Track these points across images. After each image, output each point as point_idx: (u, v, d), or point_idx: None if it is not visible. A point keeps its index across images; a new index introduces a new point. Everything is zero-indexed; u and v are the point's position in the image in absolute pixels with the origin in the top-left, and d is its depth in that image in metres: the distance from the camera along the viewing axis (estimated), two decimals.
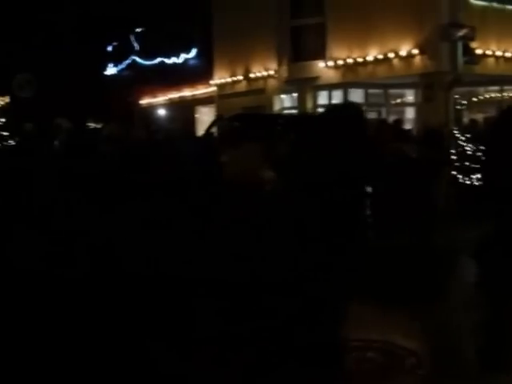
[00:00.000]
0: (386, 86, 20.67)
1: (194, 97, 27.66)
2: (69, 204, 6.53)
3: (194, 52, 27.81)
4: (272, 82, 22.41)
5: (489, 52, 18.43)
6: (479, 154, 15.03)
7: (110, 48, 33.64)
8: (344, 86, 20.40)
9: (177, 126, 18.93)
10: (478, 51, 18.00)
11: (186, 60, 28.14)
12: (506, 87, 20.55)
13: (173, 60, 28.72)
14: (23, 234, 6.24)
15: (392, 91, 21.13)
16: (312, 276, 4.91)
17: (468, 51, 17.61)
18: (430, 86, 18.09)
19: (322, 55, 20.39)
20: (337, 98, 20.85)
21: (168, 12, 28.08)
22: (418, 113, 19.83)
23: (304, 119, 16.25)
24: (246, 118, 16.19)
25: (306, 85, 21.09)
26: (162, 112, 29.60)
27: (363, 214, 5.33)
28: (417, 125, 19.12)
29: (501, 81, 19.83)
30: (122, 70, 32.86)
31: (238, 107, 21.97)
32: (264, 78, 22.68)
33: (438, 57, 17.68)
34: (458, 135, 15.65)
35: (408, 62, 18.23)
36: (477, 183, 14.55)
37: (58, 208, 6.41)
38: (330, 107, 5.55)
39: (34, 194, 6.69)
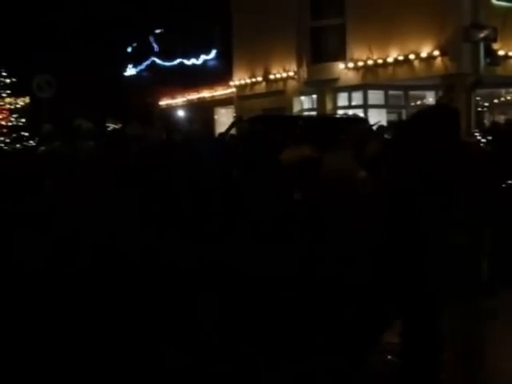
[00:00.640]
0: (406, 88, 20.54)
1: (213, 98, 27.66)
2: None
3: (213, 53, 27.83)
4: (291, 84, 22.34)
5: (511, 53, 18.24)
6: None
7: (129, 49, 33.75)
8: (364, 87, 20.30)
9: (196, 127, 18.88)
10: (500, 52, 17.86)
11: (206, 61, 28.16)
12: None
13: (192, 61, 28.75)
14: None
15: (412, 93, 20.99)
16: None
17: (490, 52, 17.47)
18: (452, 87, 17.94)
19: (341, 56, 20.31)
20: (357, 99, 20.77)
21: (187, 13, 28.12)
22: None
23: (324, 121, 16.19)
24: (266, 119, 16.14)
25: (326, 86, 21.01)
26: (181, 113, 29.61)
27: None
28: None
29: None
30: (142, 70, 32.95)
31: (258, 109, 21.96)
32: (283, 80, 22.62)
33: (460, 58, 17.55)
34: (480, 137, 15.50)
35: (429, 63, 18.10)
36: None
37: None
38: (424, 109, 5.49)
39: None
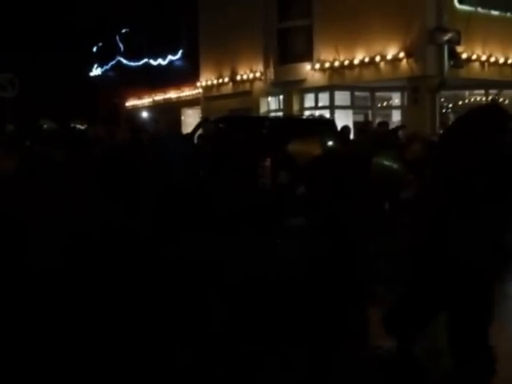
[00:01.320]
0: (372, 89, 20.69)
1: (180, 99, 27.56)
2: None
3: (179, 53, 27.71)
4: (258, 85, 22.36)
5: (474, 56, 18.47)
6: None
7: (95, 49, 33.50)
8: (330, 88, 20.39)
9: (162, 127, 18.81)
10: (464, 55, 18.06)
11: (172, 61, 28.03)
12: (490, 91, 20.63)
13: (158, 61, 28.61)
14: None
15: (378, 94, 21.15)
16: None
17: (454, 55, 17.67)
18: (416, 89, 18.13)
19: (308, 58, 20.36)
20: (323, 100, 20.86)
21: (154, 13, 28.00)
22: (404, 116, 19.86)
23: (291, 122, 16.24)
24: (232, 120, 16.13)
25: (293, 87, 21.06)
26: (147, 114, 29.46)
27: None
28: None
29: (485, 85, 19.90)
30: (107, 71, 32.72)
31: (224, 109, 21.95)
32: (250, 81, 22.63)
33: (425, 60, 17.71)
34: None
35: (394, 65, 18.23)
36: None
37: None
38: (474, 108, 5.45)
39: None
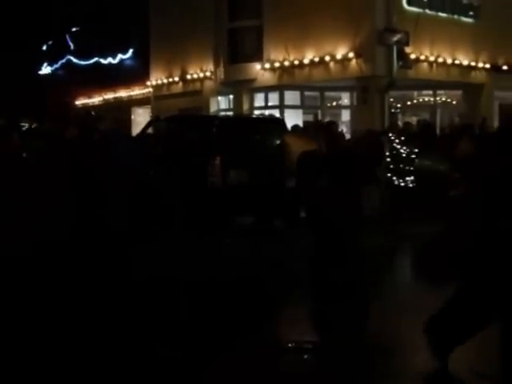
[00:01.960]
0: (322, 89, 20.82)
1: (130, 98, 27.41)
2: None
3: (130, 52, 27.57)
4: (208, 84, 22.34)
5: (422, 57, 18.73)
6: (413, 156, 15.34)
7: (45, 47, 33.10)
8: (280, 88, 20.47)
9: (112, 127, 18.67)
10: (412, 56, 18.28)
11: (122, 60, 27.88)
12: (438, 91, 20.97)
13: (109, 60, 28.41)
14: None
15: (328, 94, 21.30)
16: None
17: (402, 56, 17.87)
18: (366, 89, 18.30)
19: (258, 57, 20.39)
20: (273, 100, 20.94)
21: (104, 11, 27.78)
22: (353, 115, 20.04)
23: (240, 121, 16.28)
24: (182, 119, 16.12)
25: (243, 87, 21.08)
26: (97, 112, 29.19)
27: None
28: (352, 127, 19.36)
29: (433, 85, 20.22)
30: (57, 69, 32.36)
31: (175, 108, 21.89)
32: (200, 80, 22.59)
33: (374, 61, 17.88)
34: (393, 138, 15.89)
35: (344, 65, 18.37)
36: (411, 185, 14.83)
37: None
38: None
39: None
